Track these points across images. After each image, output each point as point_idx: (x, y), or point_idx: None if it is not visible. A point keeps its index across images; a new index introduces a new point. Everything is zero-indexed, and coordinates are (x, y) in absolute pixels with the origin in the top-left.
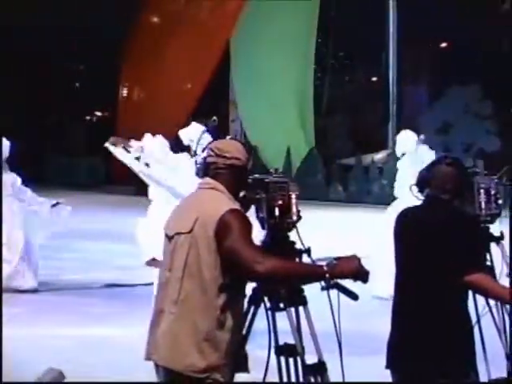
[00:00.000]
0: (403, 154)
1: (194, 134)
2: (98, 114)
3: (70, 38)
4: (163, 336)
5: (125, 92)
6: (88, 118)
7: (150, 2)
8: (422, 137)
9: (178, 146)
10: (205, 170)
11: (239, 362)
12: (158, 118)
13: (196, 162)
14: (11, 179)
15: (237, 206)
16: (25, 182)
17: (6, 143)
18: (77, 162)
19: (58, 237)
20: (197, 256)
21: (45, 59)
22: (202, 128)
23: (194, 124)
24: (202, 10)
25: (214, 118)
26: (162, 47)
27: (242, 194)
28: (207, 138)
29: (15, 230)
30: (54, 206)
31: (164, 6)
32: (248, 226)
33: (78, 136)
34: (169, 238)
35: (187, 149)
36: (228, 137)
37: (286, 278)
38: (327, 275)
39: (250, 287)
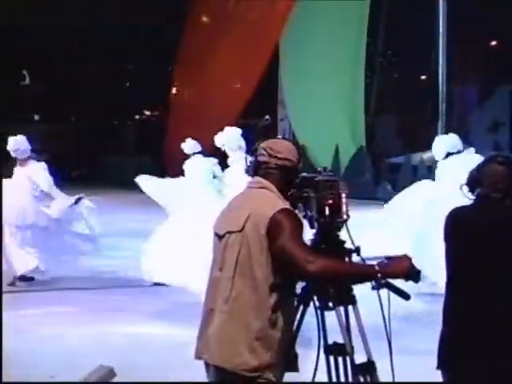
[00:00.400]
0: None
1: (225, 137)
2: (148, 113)
3: (120, 38)
4: (214, 335)
5: (175, 92)
6: (137, 117)
7: (201, 2)
8: (267, 117)
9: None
10: (255, 168)
11: (289, 361)
12: (209, 117)
13: (246, 159)
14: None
15: (287, 205)
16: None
17: (21, 139)
18: (127, 162)
19: (110, 235)
20: (248, 255)
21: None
22: (236, 132)
23: (227, 128)
24: (251, 9)
25: (267, 117)
26: (212, 47)
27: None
28: (238, 140)
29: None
30: (76, 202)
31: (214, 5)
32: (299, 226)
33: (128, 135)
34: (219, 236)
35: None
36: (279, 136)
37: (337, 277)
38: (379, 275)
39: (299, 286)
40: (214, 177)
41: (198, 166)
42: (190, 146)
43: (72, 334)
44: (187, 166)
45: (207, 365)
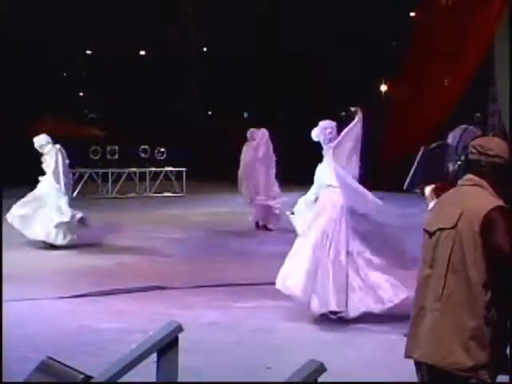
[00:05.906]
0: None
1: (315, 131)
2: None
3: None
4: (426, 333)
5: (387, 88)
6: (343, 113)
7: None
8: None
9: None
10: (467, 166)
11: (503, 362)
12: (421, 115)
13: (456, 156)
14: None
15: (501, 202)
16: None
17: None
18: None
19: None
20: (461, 252)
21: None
22: (323, 126)
23: (321, 122)
24: (465, 8)
25: (478, 114)
26: (428, 45)
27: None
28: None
29: None
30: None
31: (431, 3)
32: None
33: None
34: (430, 233)
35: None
36: (490, 133)
37: None
38: None
39: None
40: None
41: None
42: None
43: (283, 327)
44: None
45: (417, 364)
